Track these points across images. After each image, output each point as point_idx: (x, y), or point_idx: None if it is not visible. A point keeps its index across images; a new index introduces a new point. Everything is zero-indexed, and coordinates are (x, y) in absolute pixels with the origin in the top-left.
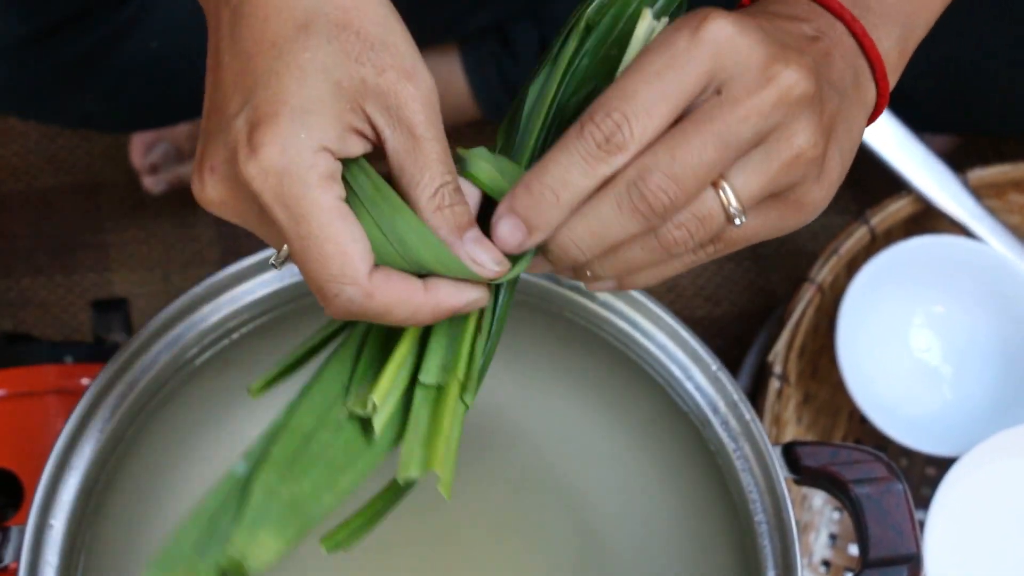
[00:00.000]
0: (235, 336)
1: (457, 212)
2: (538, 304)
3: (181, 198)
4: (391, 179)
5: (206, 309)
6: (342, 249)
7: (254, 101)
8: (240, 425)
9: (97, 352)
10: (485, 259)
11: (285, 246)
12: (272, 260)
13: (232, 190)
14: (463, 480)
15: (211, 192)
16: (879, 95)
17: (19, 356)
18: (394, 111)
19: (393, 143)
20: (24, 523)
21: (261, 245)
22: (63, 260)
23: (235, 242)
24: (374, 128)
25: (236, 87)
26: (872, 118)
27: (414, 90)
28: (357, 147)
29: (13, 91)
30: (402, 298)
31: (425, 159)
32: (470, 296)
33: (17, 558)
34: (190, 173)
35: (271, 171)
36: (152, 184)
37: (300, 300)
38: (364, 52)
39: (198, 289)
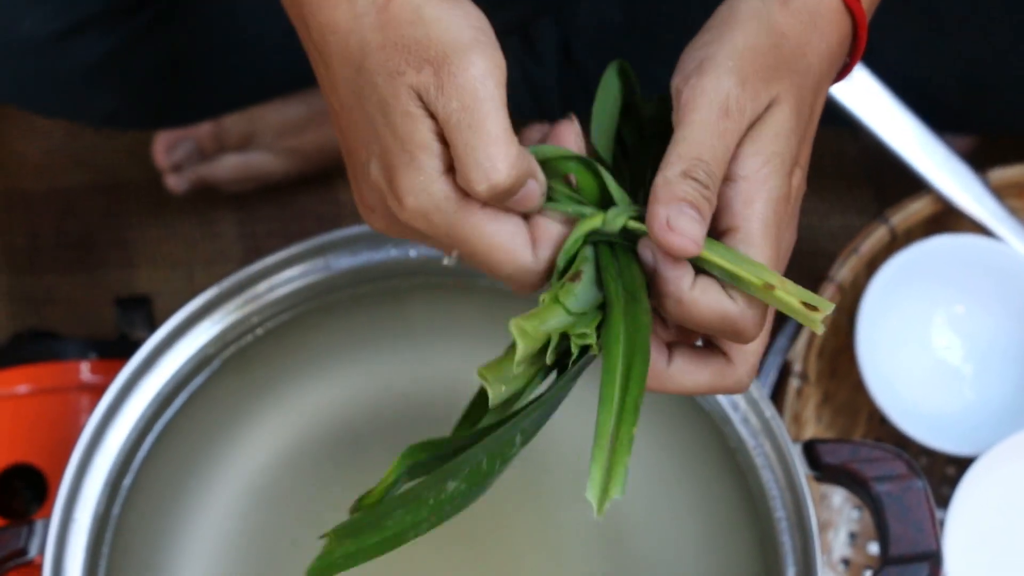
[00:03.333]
0: (258, 332)
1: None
2: None
3: (204, 196)
4: None
5: (229, 306)
6: (507, 250)
7: (375, 152)
8: (263, 421)
9: (121, 349)
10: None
11: (448, 260)
12: (446, 261)
13: (394, 224)
14: None
15: (377, 224)
16: (856, 49)
17: (44, 352)
18: (436, 101)
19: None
20: (49, 517)
21: (283, 243)
22: (87, 258)
23: (257, 240)
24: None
25: (353, 139)
26: (845, 72)
27: (449, 76)
28: None
29: (39, 89)
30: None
31: (462, 153)
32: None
33: (42, 551)
34: (212, 172)
35: (417, 214)
36: (175, 183)
37: (323, 297)
38: (403, 61)
39: (221, 286)
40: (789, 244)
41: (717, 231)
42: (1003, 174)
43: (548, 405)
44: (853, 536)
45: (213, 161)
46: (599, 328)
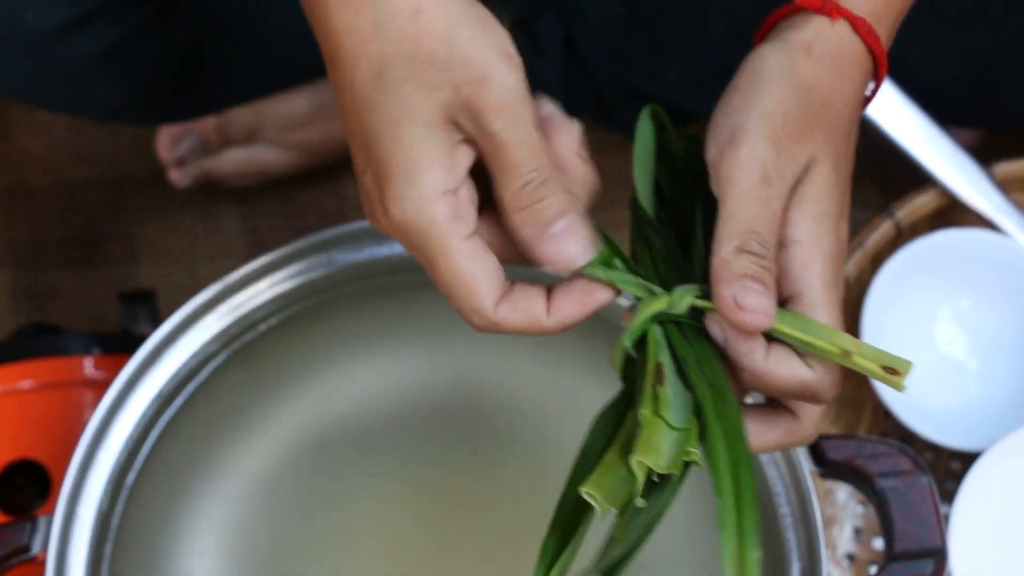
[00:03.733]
0: (262, 328)
1: (541, 208)
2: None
3: (207, 191)
4: None
5: (233, 301)
6: (469, 288)
7: (370, 160)
8: (268, 416)
9: (124, 343)
10: (570, 250)
11: None
12: None
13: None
14: (483, 465)
15: (382, 228)
16: (877, 81)
17: (47, 347)
18: (475, 122)
19: (482, 150)
20: (52, 513)
21: (287, 239)
22: (90, 253)
23: (261, 236)
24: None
25: (355, 143)
26: (867, 101)
27: (488, 97)
28: (469, 156)
29: (42, 82)
30: (527, 325)
31: (507, 163)
32: (595, 301)
33: (46, 548)
34: (216, 166)
35: (399, 227)
36: (179, 177)
37: (326, 293)
38: (437, 76)
39: (225, 281)
40: (843, 292)
41: (780, 299)
42: (1009, 168)
43: (654, 519)
44: (858, 532)
45: (217, 155)
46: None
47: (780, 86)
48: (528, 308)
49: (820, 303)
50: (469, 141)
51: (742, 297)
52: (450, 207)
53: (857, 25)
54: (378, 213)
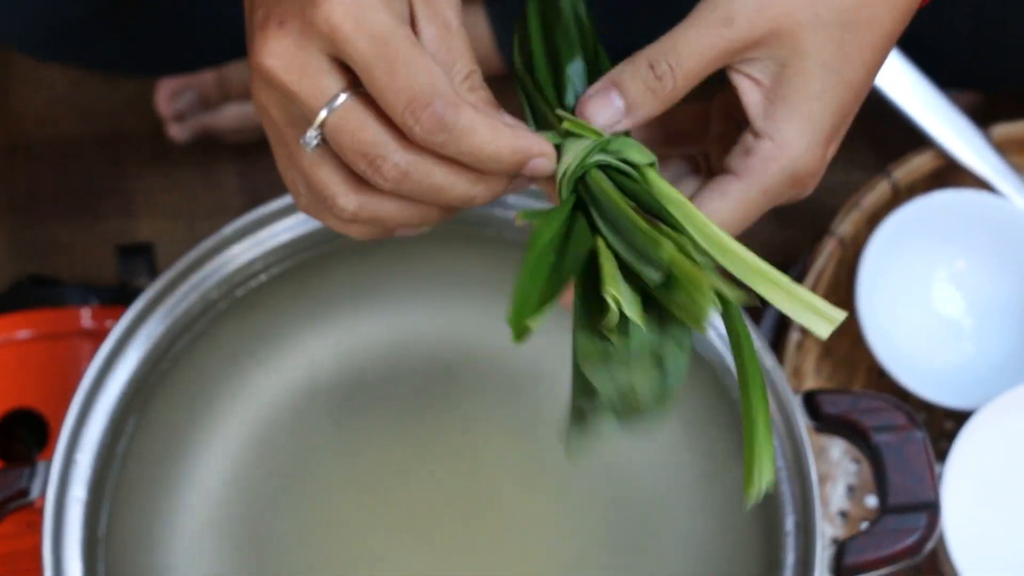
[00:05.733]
0: (262, 278)
1: (489, 97)
2: None
3: (206, 146)
4: None
5: (230, 253)
6: (427, 67)
7: None
8: (266, 366)
9: (123, 296)
10: (529, 141)
11: (314, 131)
12: (306, 139)
13: (298, 42)
14: (488, 431)
15: (273, 46)
16: None
17: (45, 298)
18: (430, 4)
19: (427, 33)
20: (50, 459)
21: (282, 191)
22: (88, 207)
23: (259, 191)
24: (412, 15)
25: None
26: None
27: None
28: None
29: (41, 32)
30: (485, 120)
31: (457, 49)
32: (546, 147)
33: (44, 493)
34: (215, 122)
35: (350, 6)
36: (178, 132)
37: (326, 245)
38: None
39: (222, 233)
40: (798, 198)
41: (725, 164)
42: (1006, 130)
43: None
44: (851, 489)
45: (216, 111)
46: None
47: None
48: (489, 113)
49: (741, 198)
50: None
51: (592, 94)
52: (399, 6)
53: None
54: (320, 2)
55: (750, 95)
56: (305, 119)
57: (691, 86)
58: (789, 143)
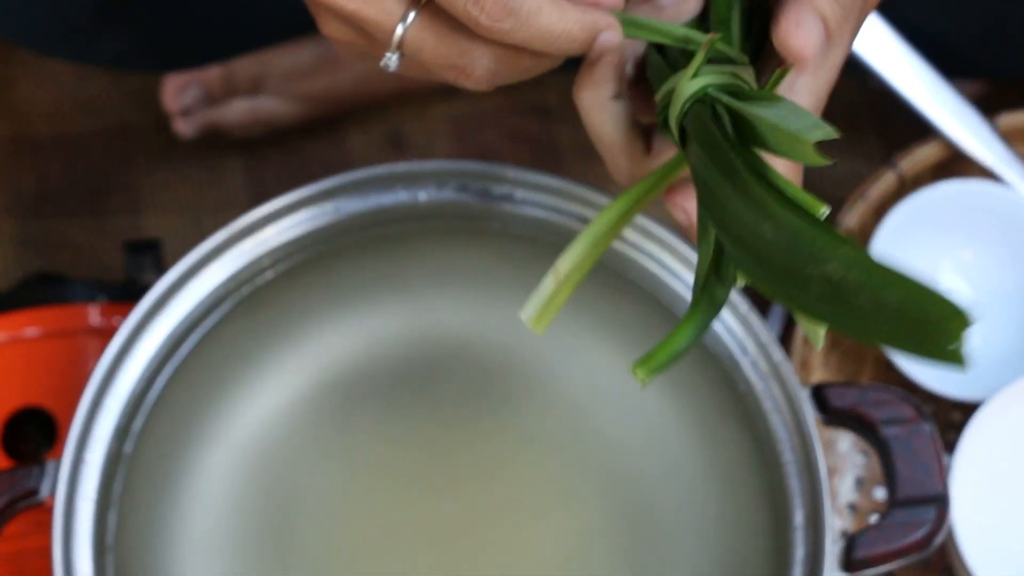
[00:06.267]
0: (269, 274)
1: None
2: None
3: (212, 142)
4: None
5: (238, 249)
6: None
7: None
8: (275, 363)
9: (130, 292)
10: (595, 15)
11: (392, 53)
12: (386, 61)
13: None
14: (488, 426)
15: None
16: None
17: (52, 295)
18: None
19: None
20: (59, 458)
21: (289, 186)
22: (95, 203)
23: (265, 187)
24: None
25: None
26: None
27: None
28: None
29: (46, 27)
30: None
31: None
32: (611, 20)
33: (53, 492)
34: (221, 117)
35: None
36: (183, 127)
37: (333, 241)
38: None
39: (231, 228)
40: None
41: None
42: (1012, 119)
43: None
44: (860, 482)
45: (222, 106)
46: None
47: None
48: None
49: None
50: None
51: (797, 14)
52: None
53: None
54: None
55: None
56: (379, 41)
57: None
58: None
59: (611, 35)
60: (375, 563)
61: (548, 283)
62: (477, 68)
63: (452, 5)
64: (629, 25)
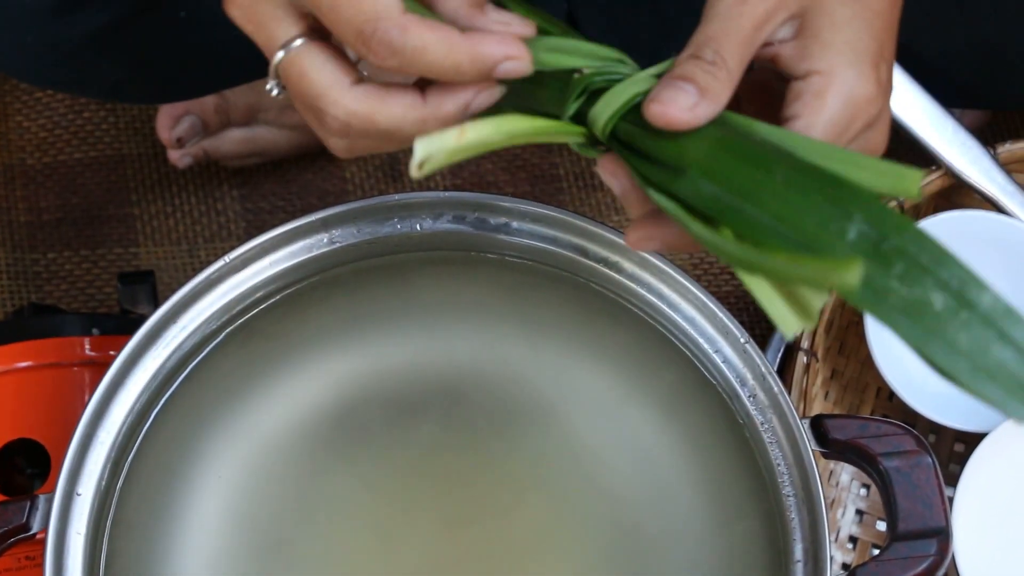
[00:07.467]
0: (263, 307)
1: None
2: (564, 275)
3: (207, 172)
4: None
5: (232, 281)
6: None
7: None
8: (268, 395)
9: (124, 324)
10: (489, 48)
11: (271, 79)
12: (270, 86)
13: None
14: (483, 458)
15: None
16: None
17: (45, 328)
18: None
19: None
20: (52, 492)
21: (285, 219)
22: (89, 233)
23: (260, 216)
24: None
25: None
26: None
27: None
28: None
29: (41, 60)
30: (437, 35)
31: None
32: (513, 49)
33: (45, 526)
34: (216, 147)
35: None
36: (178, 158)
37: (327, 272)
38: None
39: (226, 260)
40: (877, 146)
41: (783, 118)
42: (1012, 149)
43: None
44: (861, 514)
45: (217, 136)
46: None
47: None
48: (438, 23)
49: (817, 132)
50: None
51: (659, 92)
52: None
53: None
54: None
55: (781, 51)
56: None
57: (743, 67)
58: (834, 68)
59: (514, 64)
60: None
61: (451, 136)
62: (329, 117)
63: (345, 42)
64: (548, 51)
